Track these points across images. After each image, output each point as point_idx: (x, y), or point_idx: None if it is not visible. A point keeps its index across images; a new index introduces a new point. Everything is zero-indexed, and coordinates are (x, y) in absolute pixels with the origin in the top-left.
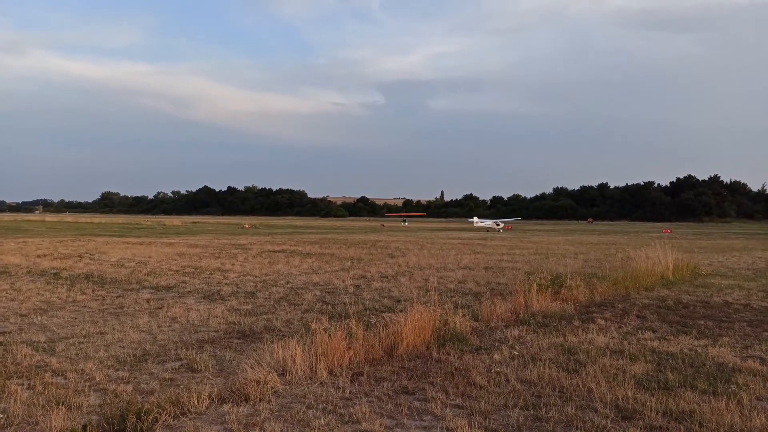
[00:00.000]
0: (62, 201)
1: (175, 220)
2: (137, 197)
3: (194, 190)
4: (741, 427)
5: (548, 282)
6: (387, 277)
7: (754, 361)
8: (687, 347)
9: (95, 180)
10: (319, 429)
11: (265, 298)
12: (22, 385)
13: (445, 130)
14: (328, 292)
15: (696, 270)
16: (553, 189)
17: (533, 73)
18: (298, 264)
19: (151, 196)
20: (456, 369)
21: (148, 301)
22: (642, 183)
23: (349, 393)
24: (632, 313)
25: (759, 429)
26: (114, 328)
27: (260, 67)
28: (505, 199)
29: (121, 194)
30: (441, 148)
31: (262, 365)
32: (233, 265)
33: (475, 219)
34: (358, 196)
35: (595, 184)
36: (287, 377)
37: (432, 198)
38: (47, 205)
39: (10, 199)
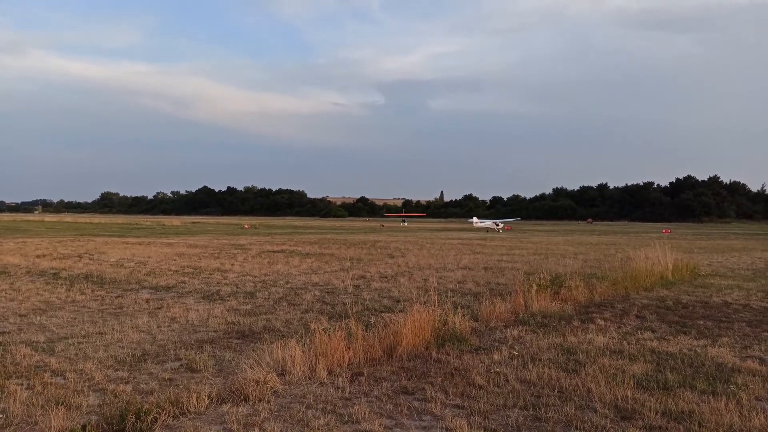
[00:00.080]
0: (61, 201)
1: (175, 221)
2: (137, 197)
3: (194, 190)
4: (740, 427)
5: (548, 282)
6: (386, 278)
7: (754, 362)
8: (686, 347)
9: (95, 180)
10: (318, 429)
11: (265, 298)
12: (22, 385)
13: (444, 130)
14: (327, 293)
15: (695, 270)
16: (553, 189)
17: (533, 73)
18: (297, 264)
19: (150, 197)
20: (455, 369)
21: (147, 301)
22: (641, 183)
23: (349, 393)
24: (632, 314)
25: (758, 429)
26: (113, 329)
27: (260, 67)
28: (505, 199)
29: (121, 194)
30: (441, 149)
31: (261, 365)
32: (233, 265)
33: (475, 219)
34: (358, 197)
35: (594, 184)
36: (287, 377)
37: (431, 198)
38: (46, 205)
39: (9, 199)
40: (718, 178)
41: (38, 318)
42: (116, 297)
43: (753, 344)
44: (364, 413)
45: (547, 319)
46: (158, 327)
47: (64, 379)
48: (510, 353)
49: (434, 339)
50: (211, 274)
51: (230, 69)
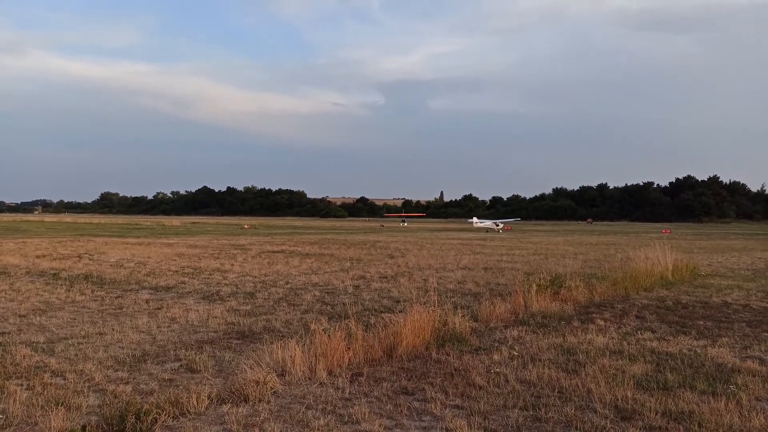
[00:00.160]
0: (61, 201)
1: (175, 221)
2: (136, 197)
3: (194, 190)
4: (740, 428)
5: (548, 282)
6: (386, 278)
7: (753, 362)
8: (686, 348)
9: (94, 180)
10: (318, 429)
11: (265, 298)
12: (21, 385)
13: (444, 131)
14: (327, 293)
15: (695, 270)
16: (553, 189)
17: (533, 73)
18: (297, 264)
19: (150, 197)
20: (455, 369)
21: (147, 301)
22: (641, 183)
23: (349, 393)
24: (631, 314)
25: (758, 429)
26: (113, 329)
27: (260, 67)
28: (505, 199)
29: (121, 194)
30: (441, 149)
31: (261, 366)
32: (232, 265)
33: (475, 219)
34: (358, 197)
35: (594, 184)
36: (286, 378)
37: (431, 198)
38: (46, 206)
39: (9, 200)
40: (718, 178)
41: (38, 318)
42: (116, 297)
43: (753, 344)
44: (364, 414)
45: (547, 319)
46: (158, 327)
47: (64, 379)
48: (510, 353)
49: (434, 339)
50: (210, 275)
51: (230, 69)
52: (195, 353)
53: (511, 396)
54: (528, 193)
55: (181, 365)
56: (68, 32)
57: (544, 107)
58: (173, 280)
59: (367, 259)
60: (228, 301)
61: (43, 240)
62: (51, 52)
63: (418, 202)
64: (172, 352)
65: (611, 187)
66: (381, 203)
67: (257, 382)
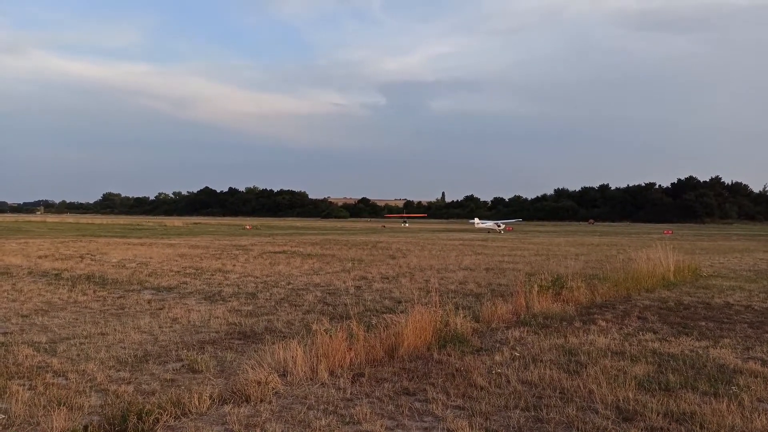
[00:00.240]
0: (63, 202)
1: (176, 221)
2: (138, 198)
3: (195, 190)
4: (742, 429)
5: (549, 283)
6: (388, 278)
7: (756, 363)
8: (688, 348)
9: (96, 181)
10: (319, 430)
11: (266, 299)
12: (24, 385)
13: (446, 131)
14: (329, 293)
15: (697, 271)
16: (554, 190)
17: (534, 73)
18: (299, 265)
19: (152, 197)
20: (457, 370)
21: (149, 301)
22: (643, 184)
23: (350, 394)
24: (633, 315)
25: (760, 430)
26: (115, 329)
27: (260, 67)
28: (506, 200)
29: (123, 195)
30: (442, 149)
31: (263, 366)
32: (234, 266)
33: (476, 220)
34: (359, 197)
35: (596, 185)
36: (288, 378)
37: (433, 199)
38: (48, 206)
39: (11, 200)
40: (720, 178)
41: (40, 319)
42: (118, 298)
43: (755, 345)
44: (366, 414)
45: (548, 320)
46: (160, 328)
47: (66, 379)
48: (511, 354)
49: (436, 340)
50: (212, 275)
51: (230, 69)
52: (197, 353)
53: (512, 397)
54: (529, 194)
55: (182, 365)
56: (68, 32)
57: (544, 107)
58: (175, 280)
59: (368, 259)
60: (230, 301)
61: (46, 240)
62: (51, 52)
63: (419, 202)
64: (173, 352)
65: (613, 187)
66: (382, 204)
67: (259, 383)
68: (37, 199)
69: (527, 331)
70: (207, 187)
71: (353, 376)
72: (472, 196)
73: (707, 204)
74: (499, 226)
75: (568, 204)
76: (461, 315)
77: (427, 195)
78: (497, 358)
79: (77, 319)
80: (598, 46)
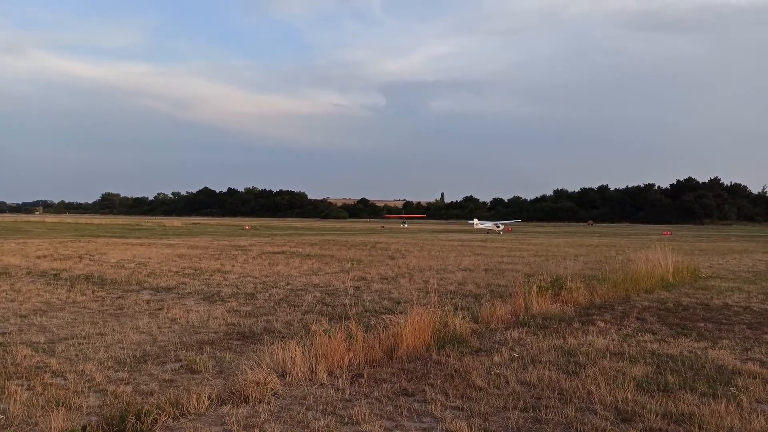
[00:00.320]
0: (62, 202)
1: (175, 221)
2: (137, 198)
3: (194, 191)
4: (740, 430)
5: (548, 284)
6: (387, 279)
7: (754, 364)
8: (687, 349)
9: (95, 181)
10: (318, 430)
11: (265, 299)
12: (22, 385)
13: (445, 131)
14: (328, 294)
15: (696, 272)
16: (554, 191)
17: (534, 73)
18: (298, 265)
19: (151, 197)
20: (456, 371)
21: (147, 302)
22: (642, 185)
23: (349, 394)
24: (632, 316)
25: (758, 431)
26: (114, 330)
27: (260, 67)
28: (506, 200)
29: (122, 195)
30: (441, 150)
31: (261, 366)
32: (233, 266)
33: (476, 221)
34: (359, 198)
35: (595, 185)
36: (287, 379)
37: (432, 200)
38: (47, 206)
39: (10, 200)
40: (719, 180)
41: (39, 319)
42: (117, 298)
43: (754, 347)
44: (365, 415)
45: (547, 320)
46: (159, 328)
47: (65, 379)
48: (510, 355)
49: (434, 341)
50: (211, 276)
51: (230, 70)
52: (195, 354)
53: (511, 397)
54: (529, 195)
55: (181, 366)
56: (68, 32)
57: (544, 108)
58: (174, 280)
59: (367, 260)
60: (228, 301)
61: (44, 240)
62: (51, 52)
63: (418, 203)
64: (172, 352)
65: (612, 188)
66: (382, 204)
67: (257, 383)
68: (36, 199)
69: (526, 332)
70: (206, 188)
71: (352, 376)
72: (471, 196)
73: (706, 205)
74: (498, 226)
75: (568, 205)
76: (460, 316)
77: (427, 195)
78: (496, 358)
79: (76, 320)
80: (598, 47)
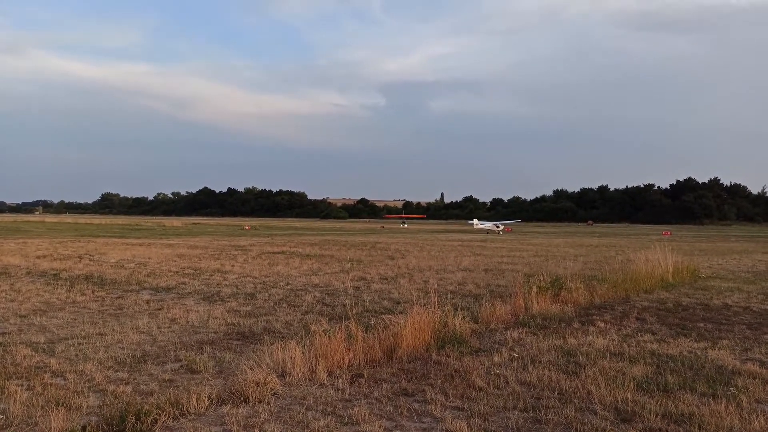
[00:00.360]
0: (62, 202)
1: (175, 222)
2: (137, 198)
3: (194, 191)
4: (740, 430)
5: (548, 284)
6: (387, 279)
7: (754, 364)
8: (686, 350)
9: (95, 181)
10: (318, 430)
11: (265, 299)
12: (22, 385)
13: (445, 132)
14: (327, 294)
15: (696, 273)
16: (553, 191)
17: (533, 73)
18: (297, 265)
19: (151, 197)
20: (455, 371)
21: (147, 302)
22: (642, 185)
23: (349, 394)
24: (632, 316)
25: (758, 431)
26: (113, 330)
27: (260, 67)
28: (505, 201)
29: (121, 195)
30: (441, 150)
31: (261, 367)
32: (233, 266)
33: (475, 221)
34: (358, 198)
35: (595, 186)
36: (287, 379)
37: (432, 200)
38: (47, 206)
39: (10, 200)
40: (719, 180)
41: (38, 319)
42: (116, 298)
43: (753, 347)
44: (364, 415)
45: (547, 321)
46: (158, 328)
47: (64, 380)
48: (510, 355)
49: (434, 341)
50: (211, 276)
51: (230, 69)
52: (195, 354)
53: (511, 398)
54: (528, 195)
55: (181, 366)
56: (68, 32)
57: (544, 108)
58: (174, 280)
59: (367, 260)
60: (228, 302)
61: (44, 240)
62: (51, 52)
63: (418, 203)
64: (172, 352)
65: (612, 188)
66: (381, 204)
67: (257, 383)
68: (35, 199)
69: (526, 332)
70: (206, 188)
71: (352, 376)
72: (471, 196)
73: (706, 205)
74: (498, 227)
75: (567, 205)
76: (460, 316)
77: (426, 196)
78: (496, 359)
79: (75, 320)
80: (598, 47)
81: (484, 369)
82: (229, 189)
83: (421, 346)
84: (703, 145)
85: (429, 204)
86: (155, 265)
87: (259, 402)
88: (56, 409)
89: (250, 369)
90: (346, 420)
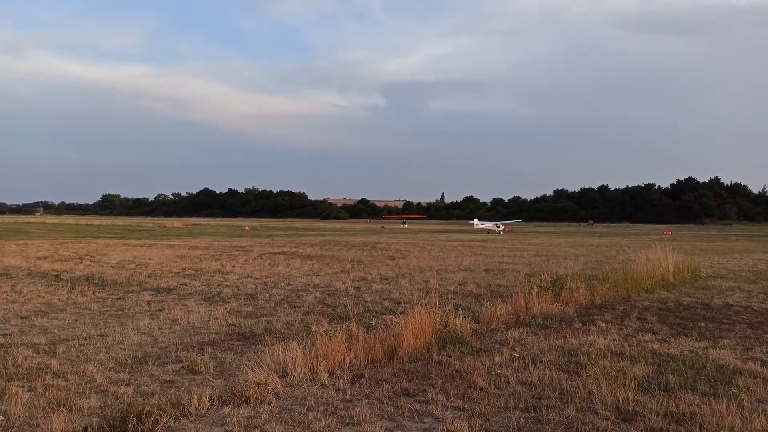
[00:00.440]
0: (63, 203)
1: (176, 222)
2: (138, 199)
3: (195, 192)
4: (741, 429)
5: (549, 284)
6: (387, 279)
7: (755, 363)
8: (687, 349)
9: (96, 182)
10: (319, 431)
11: (266, 300)
12: (23, 387)
13: (445, 132)
14: (328, 294)
15: (696, 272)
16: (554, 191)
17: (534, 73)
18: (298, 266)
19: (151, 198)
20: (456, 371)
21: (148, 303)
22: (642, 185)
23: (350, 395)
24: (633, 315)
25: (759, 431)
26: (115, 330)
27: (260, 68)
28: (506, 201)
29: (122, 196)
30: (441, 150)
31: (262, 367)
32: (234, 267)
33: (476, 221)
34: (359, 198)
35: (595, 185)
36: (288, 379)
37: (432, 200)
38: (48, 207)
39: (10, 201)
40: (719, 179)
41: (39, 320)
42: (117, 299)
43: (754, 346)
44: (365, 415)
45: (548, 320)
46: (159, 329)
47: (66, 381)
48: (511, 355)
49: (435, 341)
50: (212, 276)
51: (230, 70)
52: (196, 355)
53: (512, 397)
54: (529, 195)
55: (182, 367)
56: (68, 32)
57: (544, 108)
58: (174, 281)
59: (368, 260)
60: (229, 302)
61: (45, 241)
62: (51, 52)
63: (419, 203)
64: (173, 353)
65: (612, 188)
66: (382, 205)
67: (258, 384)
68: (36, 200)
69: (527, 332)
70: (206, 188)
71: (353, 377)
72: (471, 197)
73: (706, 205)
74: (498, 227)
75: (568, 205)
76: (461, 316)
77: (427, 196)
78: (497, 359)
79: (77, 321)
80: (598, 47)
81: (485, 369)
82: (229, 190)
83: (422, 346)
84: (703, 144)
85: (429, 204)
86: (156, 266)
87: (261, 402)
88: (58, 410)
89: (251, 369)
90: (347, 420)
